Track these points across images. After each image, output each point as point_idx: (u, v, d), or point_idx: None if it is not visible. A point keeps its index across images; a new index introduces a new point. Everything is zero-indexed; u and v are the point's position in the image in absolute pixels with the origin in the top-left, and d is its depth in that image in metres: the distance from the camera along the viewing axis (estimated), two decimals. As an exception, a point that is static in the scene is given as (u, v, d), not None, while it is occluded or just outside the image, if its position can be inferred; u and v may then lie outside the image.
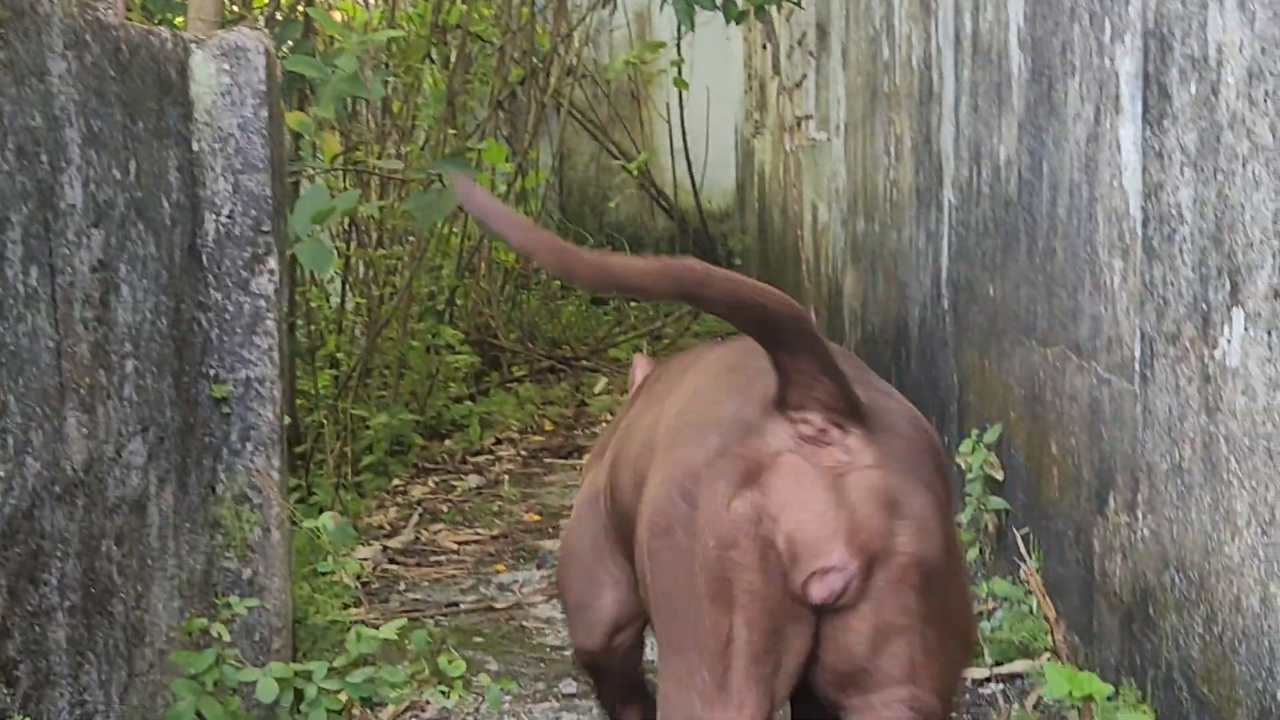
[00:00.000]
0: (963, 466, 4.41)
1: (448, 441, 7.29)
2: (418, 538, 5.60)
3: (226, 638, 2.91)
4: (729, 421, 2.32)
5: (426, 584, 5.06)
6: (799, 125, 8.51)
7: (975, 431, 4.40)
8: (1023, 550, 3.00)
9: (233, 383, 3.36)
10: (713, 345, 2.92)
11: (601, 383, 8.89)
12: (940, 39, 5.04)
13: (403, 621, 3.47)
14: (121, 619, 2.77)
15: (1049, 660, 2.44)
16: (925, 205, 5.30)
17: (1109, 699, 3.27)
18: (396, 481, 6.49)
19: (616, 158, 12.22)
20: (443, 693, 2.97)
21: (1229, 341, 2.70)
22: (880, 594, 2.23)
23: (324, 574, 3.74)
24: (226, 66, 3.32)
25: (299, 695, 2.88)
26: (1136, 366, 3.18)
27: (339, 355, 7.00)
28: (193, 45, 3.29)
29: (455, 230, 8.06)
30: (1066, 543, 3.71)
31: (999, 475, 4.26)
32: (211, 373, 3.33)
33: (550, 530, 5.76)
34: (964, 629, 2.38)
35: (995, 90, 4.27)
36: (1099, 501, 3.45)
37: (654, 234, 13.20)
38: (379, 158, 5.94)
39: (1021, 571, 4.00)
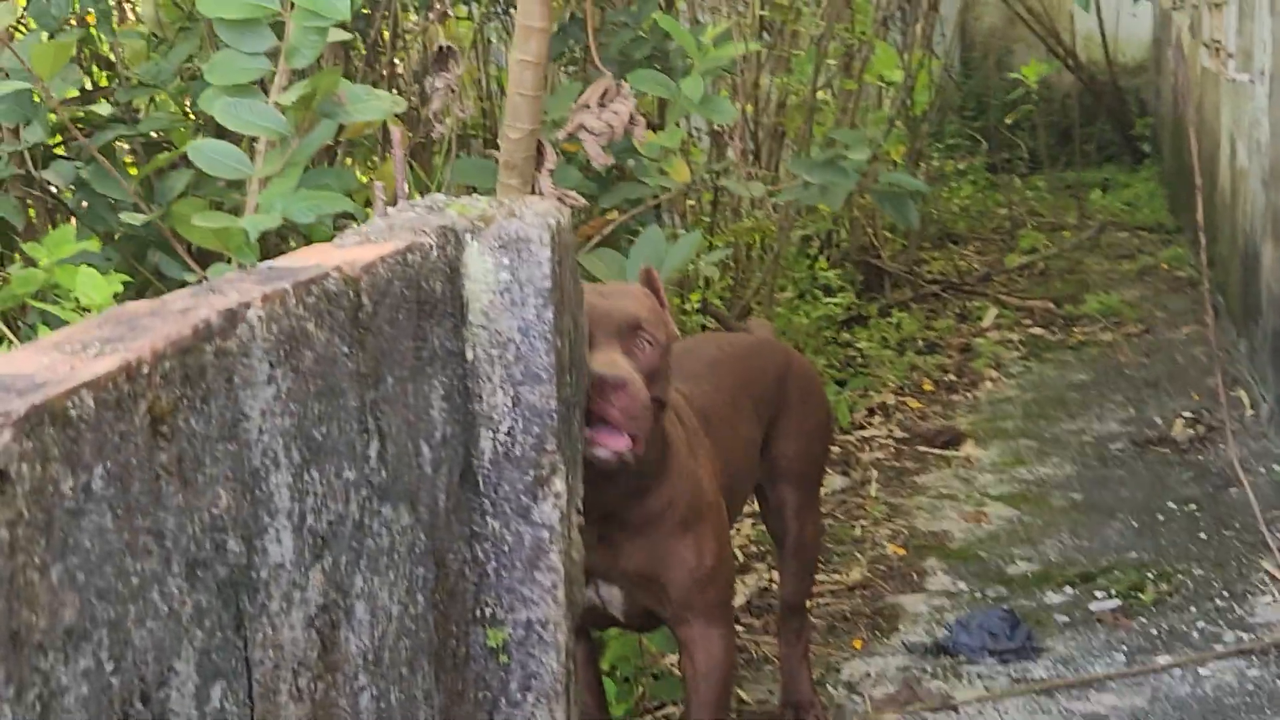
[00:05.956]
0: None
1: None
2: (763, 590, 5.00)
3: None
4: None
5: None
6: (1217, 52, 7.44)
7: None
8: None
9: (511, 624, 2.86)
10: None
11: (991, 314, 8.12)
12: None
13: None
14: None
15: None
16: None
17: None
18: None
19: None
20: None
21: None
22: None
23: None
24: (505, 261, 2.74)
25: None
26: None
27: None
28: (467, 237, 2.73)
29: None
30: None
31: None
32: (487, 612, 2.83)
33: (913, 576, 5.06)
34: None
35: None
36: None
37: (1060, 89, 12.20)
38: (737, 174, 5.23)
39: None
